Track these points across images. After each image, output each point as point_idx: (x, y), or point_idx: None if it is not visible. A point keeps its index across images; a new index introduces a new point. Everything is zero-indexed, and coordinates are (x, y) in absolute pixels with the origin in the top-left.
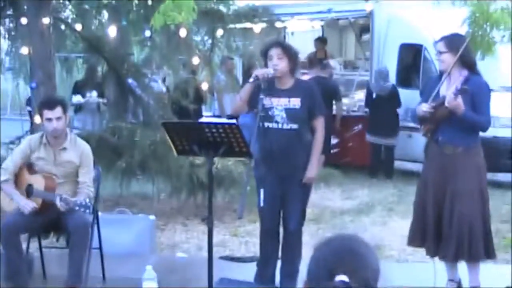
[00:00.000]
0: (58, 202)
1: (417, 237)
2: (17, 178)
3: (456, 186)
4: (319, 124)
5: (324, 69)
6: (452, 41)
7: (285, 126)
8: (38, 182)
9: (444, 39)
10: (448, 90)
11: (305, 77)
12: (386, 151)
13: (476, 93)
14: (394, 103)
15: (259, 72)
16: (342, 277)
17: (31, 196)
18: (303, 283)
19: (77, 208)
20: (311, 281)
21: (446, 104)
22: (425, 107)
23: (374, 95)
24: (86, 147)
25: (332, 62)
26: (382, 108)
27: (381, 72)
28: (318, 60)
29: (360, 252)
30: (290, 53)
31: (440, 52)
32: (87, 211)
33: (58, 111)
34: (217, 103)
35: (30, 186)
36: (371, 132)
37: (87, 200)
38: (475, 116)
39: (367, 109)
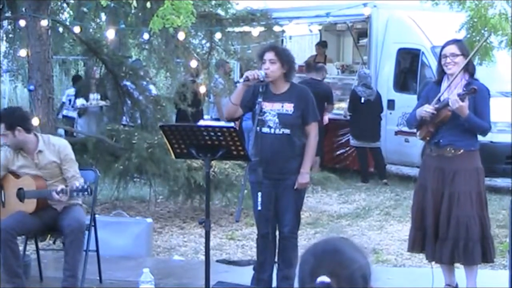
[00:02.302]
0: (55, 196)
1: (417, 243)
2: (4, 186)
3: (455, 188)
4: (313, 129)
5: (319, 71)
6: (463, 45)
7: (277, 131)
8: (28, 184)
9: (456, 42)
10: (450, 93)
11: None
12: (375, 154)
13: (478, 97)
14: (379, 108)
15: (249, 73)
16: (322, 278)
17: (24, 199)
18: None
19: (75, 194)
20: (300, 286)
21: (450, 105)
22: (428, 109)
23: (362, 100)
24: (62, 143)
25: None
26: (368, 113)
27: (366, 77)
28: (315, 64)
29: (342, 250)
30: (283, 58)
31: (455, 55)
32: (86, 193)
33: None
34: (216, 107)
35: (20, 189)
36: (356, 137)
37: (83, 184)
38: (478, 119)
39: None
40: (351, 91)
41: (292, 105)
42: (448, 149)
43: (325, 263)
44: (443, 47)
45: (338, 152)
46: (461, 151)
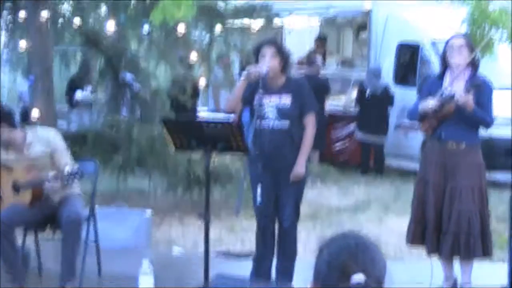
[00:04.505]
0: (48, 183)
1: (417, 236)
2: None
3: (457, 182)
4: (310, 121)
5: (311, 66)
6: (470, 40)
7: (276, 124)
8: (22, 176)
9: (463, 36)
10: (453, 87)
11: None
12: (376, 149)
13: (481, 91)
14: (387, 102)
15: (251, 70)
16: (359, 276)
17: (20, 191)
18: (310, 284)
19: (66, 178)
20: (323, 282)
21: (457, 98)
22: (432, 103)
23: (367, 93)
24: (50, 132)
25: (318, 58)
26: (375, 107)
27: (375, 70)
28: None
29: (370, 248)
30: (283, 52)
31: (462, 46)
32: (77, 176)
33: None
34: (213, 99)
35: (15, 182)
36: (362, 129)
37: (73, 167)
38: (482, 112)
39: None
40: (360, 84)
41: (290, 97)
42: (450, 143)
43: (358, 261)
44: (449, 39)
45: (337, 146)
46: (463, 145)
